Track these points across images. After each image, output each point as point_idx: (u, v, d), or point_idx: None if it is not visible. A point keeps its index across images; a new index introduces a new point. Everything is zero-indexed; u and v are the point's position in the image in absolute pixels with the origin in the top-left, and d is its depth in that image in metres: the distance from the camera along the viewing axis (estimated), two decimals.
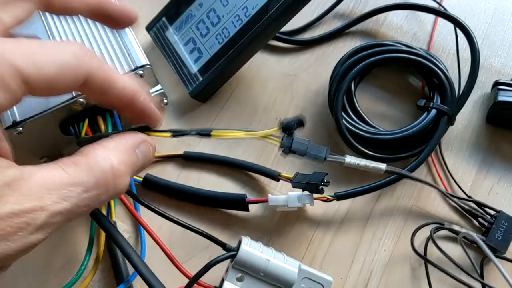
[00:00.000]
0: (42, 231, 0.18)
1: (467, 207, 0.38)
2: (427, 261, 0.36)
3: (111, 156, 0.22)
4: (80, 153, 0.21)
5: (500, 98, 0.41)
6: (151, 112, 0.25)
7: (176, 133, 0.27)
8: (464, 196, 0.39)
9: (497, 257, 0.35)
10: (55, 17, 0.39)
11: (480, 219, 0.38)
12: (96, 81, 0.21)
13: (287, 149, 0.33)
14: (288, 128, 0.32)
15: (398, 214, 0.39)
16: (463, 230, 0.35)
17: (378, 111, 0.43)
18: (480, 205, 0.38)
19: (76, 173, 0.20)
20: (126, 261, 0.35)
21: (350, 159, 0.35)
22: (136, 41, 0.38)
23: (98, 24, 0.38)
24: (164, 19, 0.45)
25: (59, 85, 0.20)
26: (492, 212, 0.38)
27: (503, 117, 0.42)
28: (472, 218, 0.39)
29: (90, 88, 0.22)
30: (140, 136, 0.25)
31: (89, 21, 0.39)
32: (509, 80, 0.42)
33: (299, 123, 0.32)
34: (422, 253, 0.37)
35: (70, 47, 0.20)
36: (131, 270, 0.35)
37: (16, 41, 0.19)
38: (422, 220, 0.39)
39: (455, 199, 0.38)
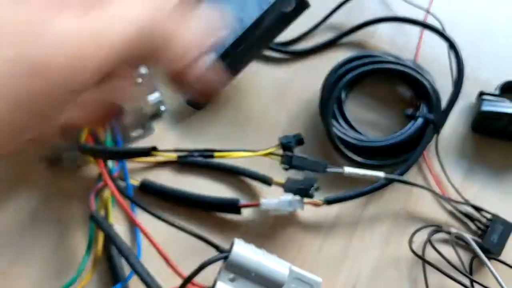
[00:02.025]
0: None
1: (463, 211, 0.40)
2: (426, 262, 0.37)
3: None
4: None
5: (485, 108, 0.42)
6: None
7: (181, 156, 0.28)
8: (462, 200, 0.41)
9: (491, 258, 0.36)
10: None
11: (476, 222, 0.39)
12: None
13: (288, 165, 0.35)
14: (287, 147, 0.34)
15: (387, 219, 0.41)
16: (463, 235, 0.36)
17: (367, 119, 0.45)
18: (476, 208, 0.40)
19: None
20: (122, 262, 0.37)
21: (349, 170, 0.37)
22: None
23: None
24: None
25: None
26: (488, 216, 0.39)
27: (488, 126, 0.43)
28: (469, 222, 0.40)
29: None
30: None
31: None
32: (494, 91, 0.44)
33: (298, 141, 0.34)
34: (418, 256, 0.37)
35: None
36: (126, 272, 0.37)
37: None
38: (410, 224, 0.40)
39: (453, 203, 0.40)
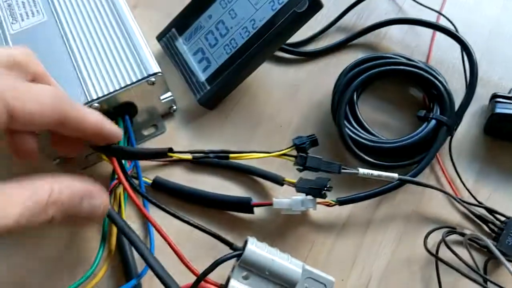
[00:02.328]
0: None
1: (477, 213, 0.40)
2: (441, 261, 0.37)
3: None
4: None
5: (498, 110, 0.42)
6: (114, 133, 0.30)
7: (196, 157, 0.29)
8: (476, 202, 0.40)
9: (508, 261, 0.36)
10: (71, 26, 0.41)
11: (490, 225, 0.39)
12: (72, 121, 0.26)
13: (302, 167, 0.35)
14: (301, 148, 0.34)
15: (398, 219, 0.41)
16: (482, 237, 0.36)
17: (379, 121, 0.45)
18: (490, 211, 0.40)
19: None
20: (135, 258, 0.37)
21: (363, 171, 0.37)
22: (148, 49, 0.40)
23: (112, 33, 0.40)
24: (174, 29, 0.47)
25: (38, 118, 0.24)
26: (502, 218, 0.39)
27: (500, 129, 0.43)
28: (482, 224, 0.40)
29: (66, 126, 0.26)
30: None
31: (104, 31, 0.40)
32: (507, 93, 0.44)
33: (312, 142, 0.35)
34: (432, 255, 0.37)
35: (46, 88, 0.25)
36: (139, 267, 0.37)
37: (7, 79, 0.24)
38: (422, 225, 0.40)
39: (466, 205, 0.40)
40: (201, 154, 0.34)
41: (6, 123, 0.23)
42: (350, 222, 0.41)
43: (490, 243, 0.33)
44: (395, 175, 0.37)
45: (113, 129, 0.31)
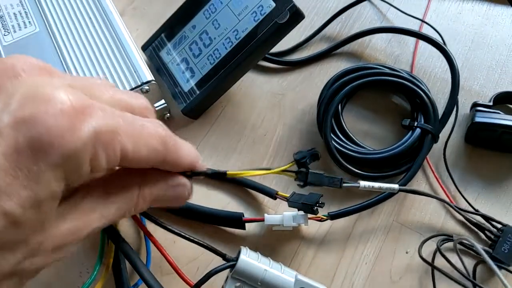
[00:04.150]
0: None
1: (472, 221, 0.40)
2: (437, 269, 0.37)
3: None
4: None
5: (477, 119, 0.42)
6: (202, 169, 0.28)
7: (194, 174, 0.28)
8: (472, 210, 0.40)
9: (501, 268, 0.36)
10: (64, 36, 0.41)
11: (487, 232, 0.39)
12: (169, 162, 0.25)
13: (303, 182, 0.35)
14: (302, 163, 0.34)
15: (379, 229, 0.41)
16: (473, 243, 0.35)
17: (364, 131, 0.45)
18: (487, 218, 0.40)
19: None
20: (128, 273, 0.36)
21: (364, 183, 0.37)
22: (141, 57, 0.40)
23: (105, 42, 0.40)
24: (159, 39, 0.47)
25: (143, 162, 0.23)
26: (499, 226, 0.39)
27: (480, 137, 0.43)
28: (479, 231, 0.40)
29: (160, 167, 0.25)
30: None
31: (97, 40, 0.41)
32: (487, 102, 0.44)
33: (313, 157, 0.34)
34: (428, 263, 0.37)
35: (158, 132, 0.23)
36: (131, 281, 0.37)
37: (126, 119, 0.22)
38: (402, 235, 0.40)
39: (463, 212, 0.40)
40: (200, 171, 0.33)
41: (116, 165, 0.22)
42: (332, 233, 0.40)
43: (480, 248, 0.33)
44: (396, 186, 0.37)
45: (202, 165, 0.28)
